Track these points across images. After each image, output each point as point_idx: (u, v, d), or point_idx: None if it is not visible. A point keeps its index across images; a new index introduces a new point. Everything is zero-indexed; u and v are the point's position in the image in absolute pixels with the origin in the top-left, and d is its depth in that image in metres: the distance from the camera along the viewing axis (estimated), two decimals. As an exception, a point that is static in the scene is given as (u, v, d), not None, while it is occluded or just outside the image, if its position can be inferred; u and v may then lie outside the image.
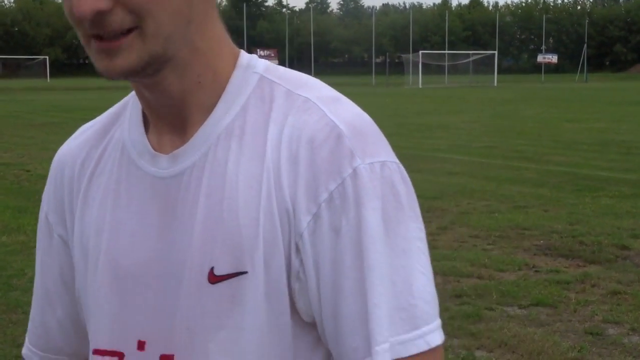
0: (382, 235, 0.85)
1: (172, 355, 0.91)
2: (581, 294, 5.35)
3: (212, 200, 0.89)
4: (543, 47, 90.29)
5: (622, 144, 14.48)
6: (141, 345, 0.93)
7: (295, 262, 0.87)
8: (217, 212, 0.88)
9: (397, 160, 0.90)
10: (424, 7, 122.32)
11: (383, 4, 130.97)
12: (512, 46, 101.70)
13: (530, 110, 24.95)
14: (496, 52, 64.03)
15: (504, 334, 4.56)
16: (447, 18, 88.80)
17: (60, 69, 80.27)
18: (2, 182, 10.51)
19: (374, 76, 66.18)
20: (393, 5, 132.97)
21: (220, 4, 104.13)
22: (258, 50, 65.59)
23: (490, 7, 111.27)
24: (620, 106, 27.11)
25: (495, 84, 55.87)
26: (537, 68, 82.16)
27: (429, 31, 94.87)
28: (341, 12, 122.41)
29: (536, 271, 5.93)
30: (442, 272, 5.83)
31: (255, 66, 0.94)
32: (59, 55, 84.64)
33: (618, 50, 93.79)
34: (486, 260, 6.19)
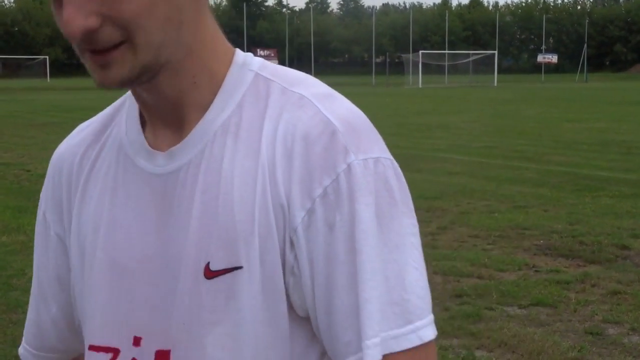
0: (375, 230, 0.86)
1: (169, 351, 0.92)
2: (581, 293, 5.35)
3: (207, 196, 0.90)
4: (543, 47, 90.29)
5: (622, 144, 14.48)
6: (137, 341, 0.93)
7: (289, 257, 0.88)
8: (213, 208, 0.89)
9: (391, 157, 0.91)
10: (424, 7, 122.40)
11: (383, 4, 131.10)
12: (512, 46, 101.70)
13: (530, 110, 24.96)
14: (496, 52, 64.03)
15: (504, 333, 4.56)
16: (447, 18, 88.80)
17: (60, 69, 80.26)
18: (2, 182, 10.52)
19: (374, 76, 66.18)
20: (393, 5, 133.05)
21: (220, 3, 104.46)
22: (258, 50, 65.60)
23: (490, 7, 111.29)
24: (620, 106, 27.12)
25: (495, 83, 55.88)
26: (537, 68, 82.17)
27: (429, 31, 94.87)
28: (341, 12, 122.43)
29: (536, 271, 5.93)
30: (442, 271, 5.83)
31: (251, 64, 0.95)
32: (59, 55, 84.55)
33: (618, 50, 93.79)
34: (486, 260, 6.19)
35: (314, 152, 0.87)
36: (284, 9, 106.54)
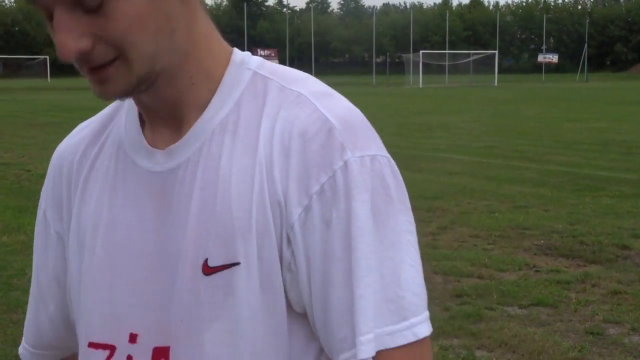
0: (371, 227, 0.87)
1: (168, 347, 0.92)
2: (581, 293, 5.35)
3: (205, 193, 0.90)
4: (543, 46, 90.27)
5: (622, 143, 14.48)
6: (133, 338, 0.94)
7: (286, 253, 0.89)
8: (211, 205, 0.90)
9: (388, 155, 0.92)
10: (425, 7, 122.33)
11: (383, 4, 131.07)
12: (512, 46, 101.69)
13: (530, 110, 24.95)
14: (497, 51, 64.03)
15: (505, 333, 4.56)
16: (447, 18, 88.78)
17: (60, 68, 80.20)
18: (2, 182, 10.52)
19: (374, 76, 66.18)
20: (393, 5, 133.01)
21: (220, 3, 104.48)
22: (258, 50, 65.58)
23: (491, 7, 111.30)
24: (620, 106, 27.11)
25: (496, 83, 55.86)
26: (537, 68, 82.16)
27: (430, 31, 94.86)
28: (342, 12, 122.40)
29: (536, 271, 5.93)
30: (443, 271, 5.83)
31: (249, 63, 0.96)
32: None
33: (619, 49, 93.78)
34: (486, 260, 6.19)
35: (311, 149, 0.88)
36: (285, 9, 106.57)
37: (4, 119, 22.03)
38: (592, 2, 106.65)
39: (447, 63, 64.71)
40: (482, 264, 6.08)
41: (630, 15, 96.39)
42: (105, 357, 0.96)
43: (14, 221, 7.70)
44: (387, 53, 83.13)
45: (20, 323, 4.62)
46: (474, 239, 7.00)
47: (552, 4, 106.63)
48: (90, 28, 0.82)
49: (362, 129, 0.91)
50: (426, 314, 0.90)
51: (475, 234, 7.16)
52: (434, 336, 4.66)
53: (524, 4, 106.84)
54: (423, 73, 55.13)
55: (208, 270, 0.89)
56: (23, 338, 1.15)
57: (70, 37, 0.81)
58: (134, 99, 0.96)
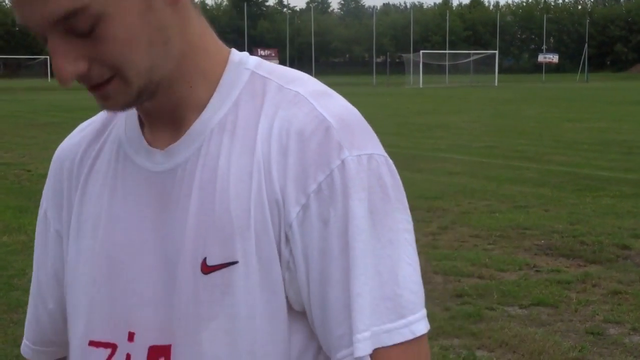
0: (369, 226, 0.87)
1: (169, 346, 0.93)
2: (582, 293, 5.35)
3: (204, 193, 0.91)
4: (544, 46, 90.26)
5: (623, 143, 14.48)
6: (131, 337, 0.95)
7: (285, 252, 0.89)
8: (210, 205, 0.90)
9: (385, 154, 0.92)
10: (425, 6, 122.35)
11: (384, 4, 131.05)
12: (512, 46, 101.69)
13: (531, 110, 24.95)
14: (497, 51, 64.03)
15: (505, 333, 4.56)
16: (447, 18, 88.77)
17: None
18: (3, 182, 10.52)
19: (374, 76, 66.17)
20: (394, 5, 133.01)
21: (221, 3, 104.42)
22: (259, 50, 65.58)
23: (491, 7, 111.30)
24: (621, 106, 27.11)
25: (496, 83, 55.85)
26: (537, 68, 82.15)
27: (430, 31, 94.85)
28: (342, 12, 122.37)
29: (537, 271, 5.93)
30: (443, 271, 5.83)
31: (247, 63, 0.97)
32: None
33: (619, 50, 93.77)
34: (487, 260, 6.19)
35: (308, 148, 0.88)
36: (285, 9, 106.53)
37: (4, 119, 22.04)
38: (593, 2, 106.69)
39: (447, 63, 64.69)
40: (483, 264, 6.07)
41: (630, 15, 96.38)
42: (107, 355, 0.96)
43: (15, 221, 7.70)
44: (388, 53, 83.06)
45: (20, 323, 4.63)
46: (475, 239, 7.00)
47: (553, 4, 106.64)
48: (85, 51, 0.83)
49: (359, 128, 0.92)
50: (424, 311, 0.90)
51: (476, 234, 7.16)
52: (434, 336, 4.66)
53: (524, 4, 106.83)
54: (423, 73, 55.12)
55: (207, 269, 0.90)
56: (24, 336, 1.16)
57: (66, 61, 0.83)
58: None
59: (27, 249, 6.45)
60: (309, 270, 0.89)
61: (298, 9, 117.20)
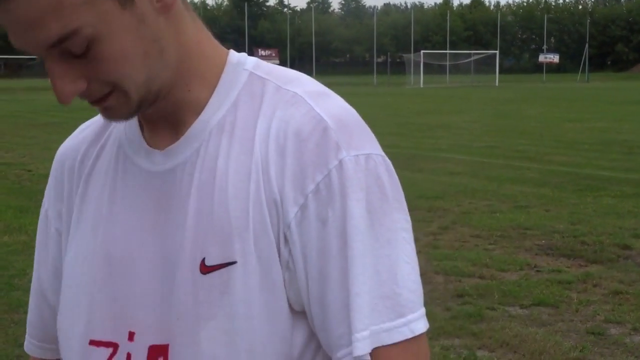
0: (367, 225, 0.88)
1: (167, 345, 0.93)
2: (583, 293, 5.35)
3: (203, 193, 0.92)
4: (544, 46, 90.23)
5: (623, 143, 14.47)
6: (131, 336, 0.95)
7: (284, 252, 0.90)
8: (208, 205, 0.91)
9: (383, 154, 0.92)
10: (425, 6, 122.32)
11: (384, 4, 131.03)
12: (513, 46, 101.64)
13: (531, 110, 24.95)
14: (497, 51, 64.02)
15: (506, 333, 4.56)
16: (448, 18, 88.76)
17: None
18: (3, 182, 10.52)
19: (375, 76, 66.18)
20: (394, 5, 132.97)
21: (221, 3, 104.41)
22: (259, 50, 65.57)
23: (492, 7, 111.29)
24: (621, 106, 27.10)
25: (497, 83, 55.85)
26: (538, 68, 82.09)
27: (431, 31, 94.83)
28: (342, 12, 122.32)
29: (538, 271, 5.93)
30: (444, 271, 5.83)
31: (245, 63, 0.98)
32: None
33: (620, 49, 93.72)
34: (488, 260, 6.19)
35: (306, 148, 0.89)
36: (285, 9, 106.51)
37: (5, 119, 22.05)
38: (593, 2, 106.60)
39: (448, 63, 64.68)
40: (484, 264, 6.07)
41: (631, 15, 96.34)
42: (108, 354, 0.96)
43: (15, 221, 7.70)
44: (388, 53, 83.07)
45: (21, 323, 4.63)
46: (475, 239, 7.00)
47: (553, 4, 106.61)
48: (82, 71, 0.85)
49: (357, 128, 0.92)
50: (422, 310, 0.90)
51: (477, 234, 7.16)
52: (435, 336, 4.65)
53: (525, 4, 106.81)
54: (424, 73, 55.13)
55: (205, 269, 0.90)
56: (27, 334, 1.17)
57: (64, 82, 0.85)
58: None
59: (28, 249, 6.45)
60: (308, 270, 0.89)
61: (299, 9, 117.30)
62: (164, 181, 0.95)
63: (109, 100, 0.88)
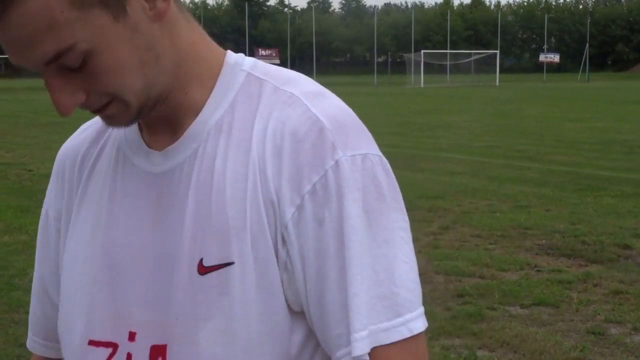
0: (364, 225, 0.88)
1: (165, 345, 0.93)
2: (583, 293, 5.35)
3: (201, 194, 0.92)
4: (545, 46, 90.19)
5: (624, 143, 14.47)
6: (132, 336, 0.95)
7: (282, 253, 0.90)
8: (206, 206, 0.91)
9: (380, 153, 0.93)
10: (426, 6, 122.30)
11: (385, 4, 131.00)
12: (514, 45, 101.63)
13: (532, 110, 24.94)
14: (498, 51, 63.99)
15: (506, 333, 4.56)
16: (449, 17, 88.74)
17: (62, 68, 79.95)
18: (4, 181, 10.52)
19: (375, 76, 66.16)
20: (395, 5, 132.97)
21: (222, 3, 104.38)
22: (260, 50, 65.56)
23: (492, 7, 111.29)
24: (622, 105, 27.09)
25: (497, 83, 55.84)
26: (539, 67, 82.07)
27: (431, 30, 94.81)
28: (343, 12, 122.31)
29: (538, 271, 5.93)
30: (444, 271, 5.83)
31: (242, 64, 0.98)
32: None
33: (620, 49, 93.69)
34: (488, 259, 6.19)
35: (302, 149, 0.89)
36: (286, 9, 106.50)
37: (5, 118, 22.06)
38: (594, 2, 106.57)
39: (448, 63, 64.67)
40: (484, 263, 6.07)
41: (631, 15, 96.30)
42: (107, 355, 0.97)
43: (16, 221, 7.70)
44: (389, 53, 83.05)
45: (21, 323, 4.63)
46: (476, 238, 7.00)
47: (554, 3, 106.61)
48: (81, 84, 0.86)
49: (353, 128, 0.92)
50: (421, 309, 0.91)
51: (477, 234, 7.16)
52: (435, 336, 4.65)
53: (526, 3, 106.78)
54: (424, 73, 55.11)
55: (203, 269, 0.91)
56: (29, 332, 1.18)
57: (64, 96, 0.85)
58: None
59: (29, 248, 6.46)
60: (306, 271, 0.89)
61: (299, 9, 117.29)
62: (163, 182, 0.95)
63: (109, 109, 0.89)
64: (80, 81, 0.85)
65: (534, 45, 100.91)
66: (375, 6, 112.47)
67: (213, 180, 0.92)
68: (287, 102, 0.93)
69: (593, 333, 4.60)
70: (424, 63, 55.96)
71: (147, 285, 0.95)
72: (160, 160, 0.96)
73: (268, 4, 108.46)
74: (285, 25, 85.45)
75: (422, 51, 58.24)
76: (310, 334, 0.94)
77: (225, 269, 0.90)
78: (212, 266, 0.90)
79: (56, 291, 1.10)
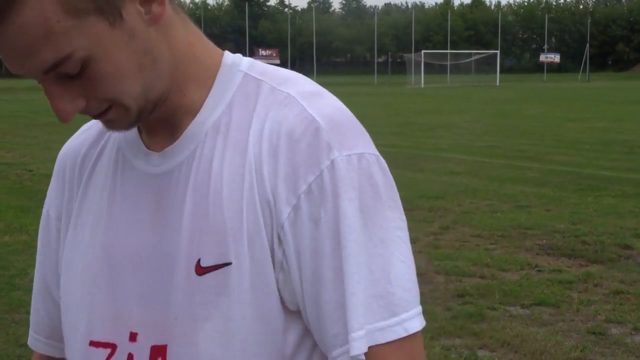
0: (360, 225, 0.88)
1: (165, 346, 0.94)
2: (584, 293, 5.35)
3: (198, 195, 0.92)
4: (545, 46, 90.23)
5: (624, 143, 14.47)
6: (133, 337, 0.96)
7: (278, 252, 0.90)
8: (204, 206, 0.92)
9: (377, 153, 0.93)
10: (426, 6, 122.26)
11: (385, 4, 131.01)
12: (514, 46, 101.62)
13: (532, 110, 24.94)
14: (498, 51, 63.98)
15: (507, 333, 4.56)
16: (449, 17, 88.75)
17: (62, 68, 80.00)
18: (4, 181, 10.52)
19: (376, 76, 66.18)
20: (395, 5, 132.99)
21: (222, 3, 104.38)
22: (260, 50, 65.57)
23: (493, 7, 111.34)
24: (622, 105, 27.09)
25: (498, 83, 55.85)
26: (539, 67, 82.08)
27: (431, 31, 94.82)
28: (343, 12, 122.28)
29: (539, 271, 5.93)
30: (445, 271, 5.83)
31: (239, 64, 0.98)
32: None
33: (620, 49, 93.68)
34: (488, 259, 6.19)
35: (298, 149, 0.89)
36: (286, 9, 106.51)
37: (5, 119, 22.06)
38: (594, 2, 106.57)
39: (448, 63, 64.68)
40: (484, 263, 6.07)
41: (632, 15, 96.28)
42: (107, 355, 0.97)
43: (16, 221, 7.70)
44: (389, 53, 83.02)
45: (22, 323, 4.63)
46: (476, 238, 6.99)
47: (554, 3, 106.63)
48: (80, 90, 0.86)
49: (349, 127, 0.92)
50: (418, 309, 0.91)
51: (477, 234, 7.15)
52: (436, 336, 4.65)
53: (526, 3, 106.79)
54: (425, 73, 55.13)
55: (201, 270, 0.91)
56: (31, 331, 1.18)
57: (63, 102, 0.86)
58: None
59: (29, 248, 6.46)
60: (302, 271, 0.89)
61: (299, 9, 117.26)
62: (162, 183, 0.96)
63: (109, 114, 0.89)
64: (80, 88, 0.86)
65: (535, 46, 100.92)
66: (375, 6, 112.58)
67: (210, 181, 0.92)
68: (284, 103, 0.93)
69: (594, 333, 4.60)
70: (424, 63, 55.98)
71: (147, 285, 0.95)
72: (159, 161, 0.97)
73: (268, 4, 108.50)
74: (286, 25, 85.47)
75: (423, 51, 58.26)
76: (307, 333, 0.94)
77: (223, 269, 0.90)
78: (210, 267, 0.91)
79: (59, 291, 1.10)
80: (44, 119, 21.43)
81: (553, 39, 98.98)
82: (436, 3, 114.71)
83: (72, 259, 1.03)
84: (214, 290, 0.91)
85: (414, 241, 6.35)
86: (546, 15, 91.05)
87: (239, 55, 1.00)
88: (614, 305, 5.09)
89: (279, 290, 0.91)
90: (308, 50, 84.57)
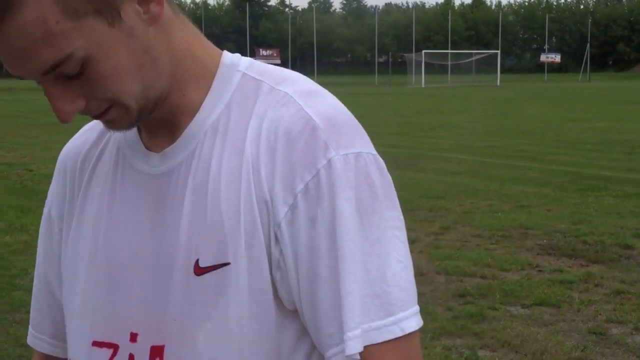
0: (356, 224, 0.88)
1: (163, 346, 0.94)
2: (584, 293, 5.34)
3: (197, 195, 0.93)
4: (546, 46, 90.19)
5: (625, 143, 14.46)
6: (133, 337, 0.96)
7: (275, 252, 0.90)
8: (202, 207, 0.92)
9: (374, 152, 0.93)
10: (427, 6, 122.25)
11: (386, 4, 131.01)
12: (515, 45, 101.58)
13: (533, 110, 24.93)
14: (499, 51, 63.97)
15: (507, 333, 4.56)
16: (449, 17, 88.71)
17: (63, 68, 79.96)
18: (5, 182, 10.52)
19: (376, 76, 66.17)
20: (396, 5, 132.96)
21: (223, 3, 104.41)
22: (261, 50, 65.56)
23: (493, 7, 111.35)
24: (623, 105, 27.08)
25: (498, 83, 55.83)
26: (540, 67, 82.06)
27: (432, 31, 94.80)
28: (344, 12, 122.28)
29: (539, 271, 5.93)
30: (445, 271, 5.83)
31: (238, 64, 0.98)
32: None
33: (621, 49, 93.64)
34: (489, 259, 6.18)
35: (295, 148, 0.89)
36: (287, 9, 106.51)
37: (6, 119, 22.06)
38: (595, 2, 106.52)
39: (449, 63, 64.67)
40: (485, 263, 6.07)
41: (632, 15, 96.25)
42: (109, 355, 0.97)
43: (17, 221, 7.70)
44: (390, 53, 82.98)
45: (23, 323, 4.63)
46: (477, 238, 6.99)
47: (555, 3, 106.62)
48: (80, 91, 0.86)
49: (346, 127, 0.92)
50: (414, 308, 0.90)
51: (478, 234, 7.15)
52: (436, 336, 4.65)
53: (527, 3, 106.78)
54: (425, 73, 55.12)
55: (199, 270, 0.91)
56: (32, 330, 1.18)
57: (63, 103, 0.86)
58: None
59: (30, 248, 6.46)
60: (299, 270, 0.89)
61: (300, 9, 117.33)
62: (161, 183, 0.96)
63: (110, 114, 0.90)
64: (79, 88, 0.86)
65: (535, 45, 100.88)
66: (376, 6, 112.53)
67: (209, 181, 0.92)
68: (281, 102, 0.93)
69: (594, 333, 4.60)
70: (425, 63, 55.98)
71: (146, 286, 0.95)
72: (159, 161, 0.97)
73: (269, 4, 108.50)
74: (286, 25, 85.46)
75: (423, 51, 58.25)
76: (305, 332, 0.94)
77: (221, 269, 0.91)
78: (208, 267, 0.91)
79: (61, 290, 1.10)
80: (45, 119, 21.43)
81: (554, 39, 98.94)
82: (437, 3, 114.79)
83: (73, 260, 1.03)
84: (212, 290, 0.91)
85: (414, 241, 6.35)
86: (547, 15, 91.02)
87: (237, 55, 1.00)
88: (614, 305, 5.09)
89: (276, 289, 0.91)
90: (309, 50, 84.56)
